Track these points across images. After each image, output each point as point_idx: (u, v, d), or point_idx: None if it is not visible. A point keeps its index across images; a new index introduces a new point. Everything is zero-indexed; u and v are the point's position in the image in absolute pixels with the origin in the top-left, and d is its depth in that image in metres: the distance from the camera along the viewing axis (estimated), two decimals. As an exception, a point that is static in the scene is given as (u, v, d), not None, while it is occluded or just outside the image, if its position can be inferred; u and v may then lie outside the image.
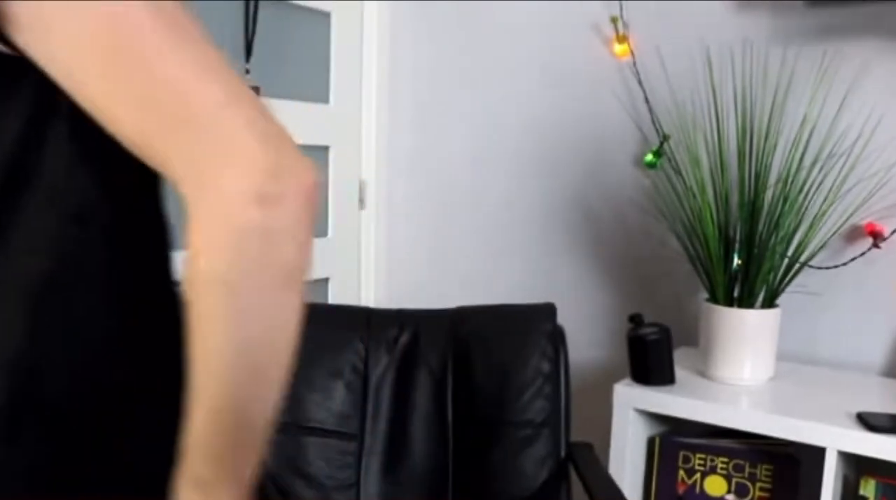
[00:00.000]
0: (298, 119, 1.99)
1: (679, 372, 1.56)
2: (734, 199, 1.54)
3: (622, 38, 1.84)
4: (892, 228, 1.57)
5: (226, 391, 0.55)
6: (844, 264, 1.63)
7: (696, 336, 1.82)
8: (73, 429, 0.58)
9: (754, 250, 1.44)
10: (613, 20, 1.85)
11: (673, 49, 1.79)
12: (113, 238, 0.61)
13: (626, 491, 1.49)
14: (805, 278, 1.67)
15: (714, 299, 1.50)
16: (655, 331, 1.46)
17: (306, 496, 1.49)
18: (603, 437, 1.92)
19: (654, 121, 1.83)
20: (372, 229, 2.23)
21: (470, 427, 1.54)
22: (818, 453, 1.37)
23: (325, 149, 2.10)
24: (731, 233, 1.48)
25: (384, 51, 2.20)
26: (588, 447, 1.52)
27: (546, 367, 1.53)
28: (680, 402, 1.40)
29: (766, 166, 1.46)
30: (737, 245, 1.47)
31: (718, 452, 1.50)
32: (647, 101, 1.84)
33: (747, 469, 1.48)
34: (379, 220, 2.24)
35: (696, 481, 1.51)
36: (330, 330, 1.58)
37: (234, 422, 0.56)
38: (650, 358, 1.46)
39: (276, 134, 0.55)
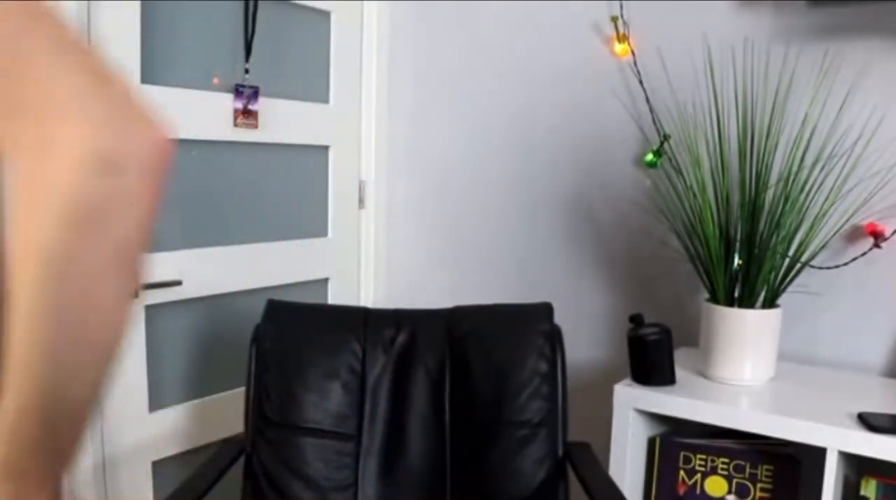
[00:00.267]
0: (298, 119, 1.99)
1: (679, 372, 1.55)
2: (735, 198, 1.53)
3: (623, 38, 1.84)
4: (893, 229, 1.56)
5: (37, 386, 0.51)
6: (845, 264, 1.62)
7: (696, 336, 1.81)
8: None
9: (755, 250, 1.43)
10: (614, 19, 1.85)
11: (674, 48, 1.79)
12: None
13: (626, 492, 1.48)
14: (806, 278, 1.66)
15: (715, 299, 1.49)
16: (656, 331, 1.45)
17: (304, 497, 1.49)
18: (603, 437, 1.91)
19: (655, 120, 1.82)
20: (371, 229, 2.22)
21: (467, 427, 1.53)
22: (819, 453, 1.36)
23: (325, 149, 2.10)
24: (732, 233, 1.48)
25: (384, 51, 2.19)
26: (586, 446, 1.52)
27: (543, 366, 1.52)
28: (680, 402, 1.40)
29: (767, 166, 1.45)
30: (737, 245, 1.47)
31: (719, 452, 1.49)
32: (647, 100, 1.83)
33: (748, 470, 1.47)
34: (378, 220, 2.24)
35: (696, 481, 1.51)
36: (327, 330, 1.58)
37: (43, 418, 0.52)
38: (650, 358, 1.45)
39: (119, 93, 0.50)
